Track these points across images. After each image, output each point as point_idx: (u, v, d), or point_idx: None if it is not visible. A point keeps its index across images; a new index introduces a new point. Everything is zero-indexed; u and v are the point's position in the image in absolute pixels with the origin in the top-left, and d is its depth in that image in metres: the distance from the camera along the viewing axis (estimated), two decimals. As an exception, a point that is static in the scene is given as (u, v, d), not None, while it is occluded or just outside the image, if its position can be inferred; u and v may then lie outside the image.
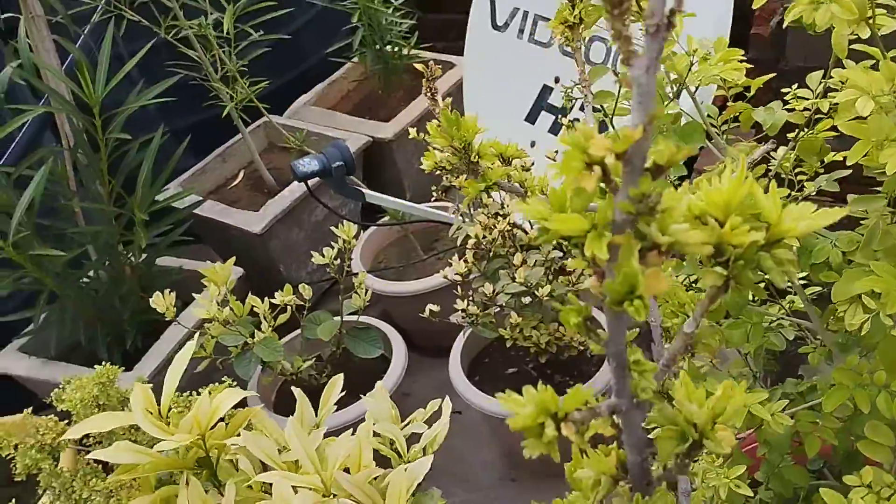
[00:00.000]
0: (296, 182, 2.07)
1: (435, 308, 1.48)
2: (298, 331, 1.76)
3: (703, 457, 1.00)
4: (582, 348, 1.60)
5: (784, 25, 0.85)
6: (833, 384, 0.93)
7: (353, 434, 1.00)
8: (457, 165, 0.71)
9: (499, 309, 1.47)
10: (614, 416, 0.45)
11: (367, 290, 1.65)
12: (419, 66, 0.76)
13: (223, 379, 1.30)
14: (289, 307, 1.59)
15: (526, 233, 1.45)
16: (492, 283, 1.42)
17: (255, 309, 1.56)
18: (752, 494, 0.99)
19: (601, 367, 1.63)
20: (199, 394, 1.21)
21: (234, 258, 1.57)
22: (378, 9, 2.17)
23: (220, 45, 1.96)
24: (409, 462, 1.00)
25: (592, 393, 0.41)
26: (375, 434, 1.07)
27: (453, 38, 2.28)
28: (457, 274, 1.43)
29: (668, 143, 0.33)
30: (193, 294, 1.71)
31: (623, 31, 0.30)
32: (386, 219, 2.02)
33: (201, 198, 2.09)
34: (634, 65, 0.31)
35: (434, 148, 0.70)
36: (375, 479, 0.96)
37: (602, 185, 0.34)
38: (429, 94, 0.75)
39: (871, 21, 0.71)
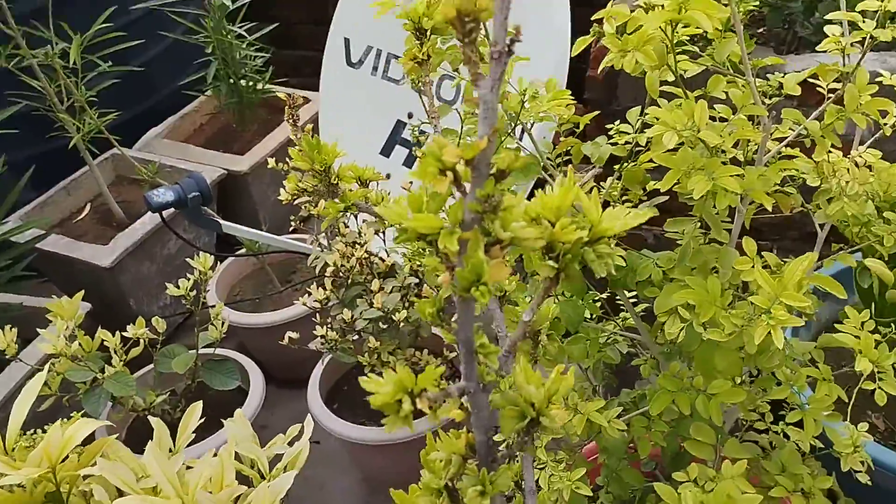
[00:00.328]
0: (147, 214, 2.03)
1: (294, 335, 1.50)
2: (152, 365, 1.72)
3: (550, 464, 1.08)
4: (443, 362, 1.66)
5: (599, 70, 0.96)
6: (658, 390, 1.04)
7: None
8: (317, 188, 0.76)
9: (357, 336, 1.51)
10: (463, 400, 0.51)
11: (223, 322, 1.65)
12: (281, 96, 0.81)
13: (71, 415, 1.26)
14: (141, 340, 1.56)
15: (383, 260, 1.51)
16: (350, 309, 1.46)
17: (105, 343, 1.52)
18: (591, 495, 1.07)
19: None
20: (44, 431, 1.17)
21: (82, 292, 1.53)
22: (232, 42, 2.19)
23: (67, 76, 1.91)
24: (271, 481, 1.01)
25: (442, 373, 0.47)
26: (237, 459, 1.08)
27: (308, 74, 2.32)
28: (316, 301, 1.46)
29: (508, 151, 0.39)
30: (38, 329, 1.64)
31: (472, 56, 0.36)
32: (243, 250, 2.02)
33: (43, 231, 2.01)
34: (480, 85, 0.37)
35: (295, 170, 0.74)
36: (238, 498, 0.97)
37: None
38: (291, 121, 0.79)
39: (675, 65, 0.82)
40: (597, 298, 1.24)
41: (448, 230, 0.40)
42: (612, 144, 1.04)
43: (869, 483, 1.13)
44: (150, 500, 0.91)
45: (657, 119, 0.81)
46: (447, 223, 0.41)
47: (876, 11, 0.87)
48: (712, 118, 0.94)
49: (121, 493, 1.01)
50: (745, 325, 0.83)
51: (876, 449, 1.37)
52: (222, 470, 0.93)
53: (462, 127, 1.00)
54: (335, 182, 0.72)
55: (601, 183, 1.15)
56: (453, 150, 0.39)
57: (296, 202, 1.50)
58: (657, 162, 0.89)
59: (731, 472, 1.01)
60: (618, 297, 1.29)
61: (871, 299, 1.36)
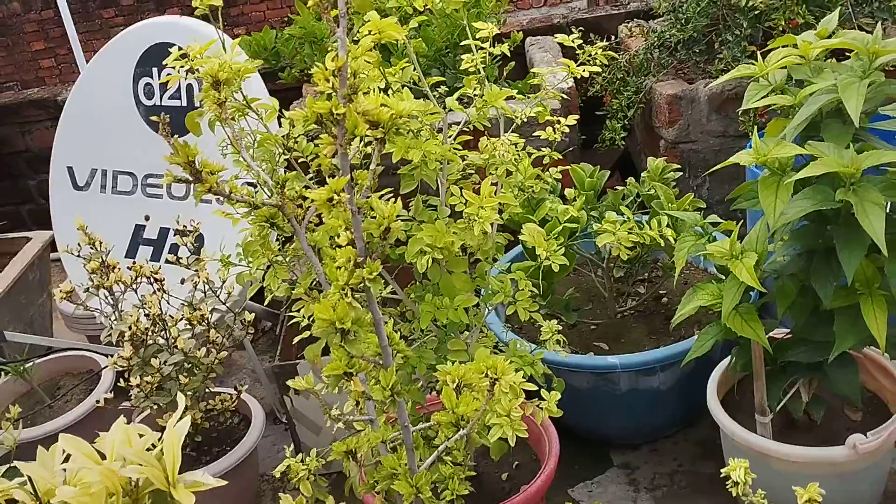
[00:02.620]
0: None
1: (108, 396, 1.69)
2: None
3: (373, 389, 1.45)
4: (233, 409, 1.93)
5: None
6: (423, 313, 1.48)
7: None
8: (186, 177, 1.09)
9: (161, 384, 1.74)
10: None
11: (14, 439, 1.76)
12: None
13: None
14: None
15: (171, 317, 1.78)
16: (156, 360, 1.70)
17: None
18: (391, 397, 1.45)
19: (249, 428, 1.97)
20: None
21: None
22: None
23: None
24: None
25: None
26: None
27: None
28: (123, 359, 1.68)
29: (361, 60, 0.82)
30: None
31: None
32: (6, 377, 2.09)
33: None
34: (337, 28, 0.79)
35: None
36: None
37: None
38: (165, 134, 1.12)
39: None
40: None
41: (333, 106, 0.82)
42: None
43: (567, 356, 1.67)
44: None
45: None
46: (333, 107, 0.83)
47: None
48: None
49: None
50: (466, 226, 1.30)
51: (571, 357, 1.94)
52: (127, 434, 1.16)
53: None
54: (200, 170, 1.07)
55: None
56: (329, 65, 0.81)
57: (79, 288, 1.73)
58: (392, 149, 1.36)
59: (481, 353, 1.46)
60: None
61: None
